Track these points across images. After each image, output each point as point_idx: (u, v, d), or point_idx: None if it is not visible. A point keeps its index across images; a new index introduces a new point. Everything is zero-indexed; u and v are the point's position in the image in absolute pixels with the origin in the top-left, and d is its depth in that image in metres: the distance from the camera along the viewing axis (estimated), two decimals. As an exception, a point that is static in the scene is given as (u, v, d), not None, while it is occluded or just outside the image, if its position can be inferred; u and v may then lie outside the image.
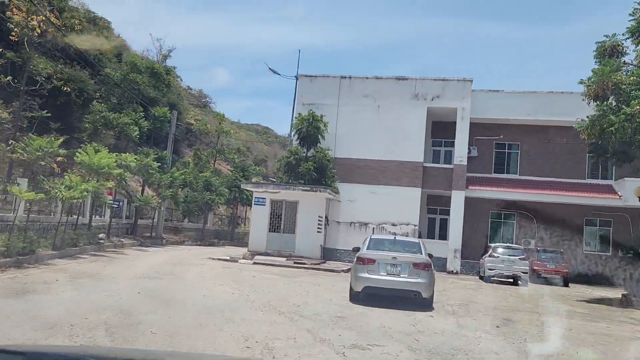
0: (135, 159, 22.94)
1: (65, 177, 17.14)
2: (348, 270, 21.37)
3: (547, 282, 23.03)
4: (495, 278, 21.36)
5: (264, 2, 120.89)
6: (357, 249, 14.38)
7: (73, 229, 18.61)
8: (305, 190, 25.09)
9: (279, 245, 25.62)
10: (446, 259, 26.84)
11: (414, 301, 11.34)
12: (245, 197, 35.61)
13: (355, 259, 12.24)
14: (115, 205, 22.58)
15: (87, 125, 25.75)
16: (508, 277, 21.18)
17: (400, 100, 28.01)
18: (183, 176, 28.44)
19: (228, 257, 21.47)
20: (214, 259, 21.18)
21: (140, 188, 28.91)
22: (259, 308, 9.92)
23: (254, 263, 20.67)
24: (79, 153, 18.31)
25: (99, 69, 28.28)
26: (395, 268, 11.27)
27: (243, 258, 21.20)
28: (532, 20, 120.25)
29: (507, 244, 24.09)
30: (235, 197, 35.10)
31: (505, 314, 11.93)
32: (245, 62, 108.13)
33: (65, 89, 30.15)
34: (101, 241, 21.51)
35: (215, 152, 37.01)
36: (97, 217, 24.41)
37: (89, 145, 18.57)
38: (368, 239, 13.00)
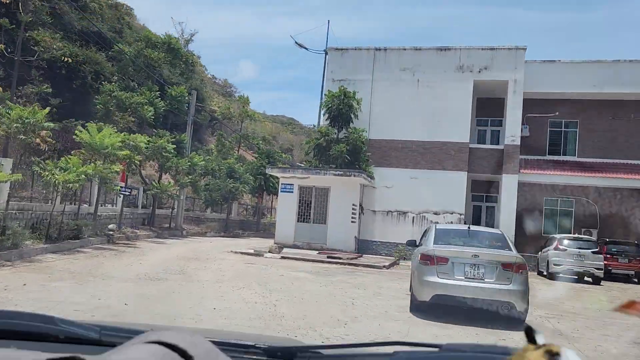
0: (149, 140, 20.14)
1: (62, 158, 14.36)
2: (391, 266, 18.25)
3: (616, 278, 19.52)
4: (563, 275, 17.91)
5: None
6: (412, 243, 11.33)
7: (74, 219, 15.89)
8: (338, 174, 22.00)
9: (308, 236, 22.64)
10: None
11: (498, 315, 8.17)
12: (271, 185, 32.72)
13: (417, 257, 9.08)
14: (127, 193, 19.89)
15: (97, 106, 23.07)
16: (579, 274, 17.69)
17: (442, 73, 24.60)
18: (203, 162, 25.62)
19: (252, 251, 18.57)
20: (236, 252, 18.31)
21: (157, 175, 26.21)
22: (291, 328, 6.90)
23: (282, 257, 17.71)
24: (78, 131, 15.52)
25: (112, 43, 25.53)
26: (477, 270, 8.08)
27: (269, 252, 18.26)
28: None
29: (576, 235, 20.64)
30: (260, 185, 32.23)
31: None
32: (270, 55, 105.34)
33: (80, 69, 27.74)
34: (110, 232, 18.79)
35: (240, 138, 34.12)
36: (109, 205, 21.77)
37: (91, 124, 15.77)
38: (433, 230, 9.78)
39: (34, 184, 15.62)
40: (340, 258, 18.13)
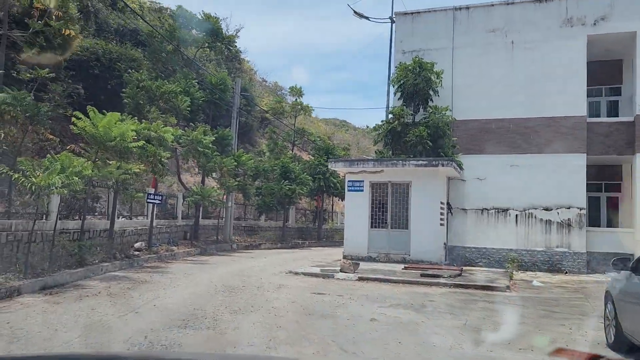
0: (182, 133, 15.54)
1: (47, 155, 9.83)
2: (512, 286, 12.68)
3: None
4: None
5: (331, 1, 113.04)
6: (623, 262, 6.02)
7: (73, 239, 11.37)
8: (421, 165, 16.68)
9: (386, 246, 17.42)
10: (632, 255, 17.39)
11: None
12: (332, 185, 27.69)
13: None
14: (157, 201, 15.35)
15: (126, 100, 18.77)
16: None
17: (544, 30, 18.83)
18: (252, 161, 20.94)
19: (318, 270, 13.53)
20: (297, 273, 13.32)
21: (195, 179, 21.73)
22: None
23: (359, 279, 12.56)
24: (75, 119, 10.97)
25: (145, 23, 21.24)
26: None
27: (341, 270, 13.15)
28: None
29: None
30: (319, 186, 27.26)
31: None
32: (319, 59, 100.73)
33: (115, 67, 23.82)
34: (136, 253, 14.26)
35: (294, 134, 29.29)
36: (139, 218, 17.35)
37: (91, 108, 11.17)
38: None
39: (17, 193, 11.21)
40: (439, 276, 12.76)
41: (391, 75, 20.59)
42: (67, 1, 18.04)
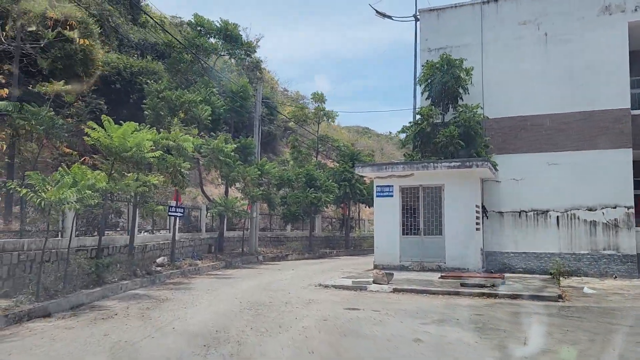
0: (203, 142, 14.85)
1: (60, 168, 9.18)
2: (564, 296, 11.48)
3: None
4: None
5: (350, 8, 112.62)
6: None
7: (90, 257, 10.70)
8: (455, 166, 15.63)
9: (419, 253, 16.39)
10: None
11: None
12: (358, 192, 26.74)
13: None
14: (178, 214, 14.66)
15: (146, 112, 18.25)
16: None
17: (580, 20, 17.64)
18: (275, 169, 20.17)
19: (350, 282, 12.58)
20: (327, 286, 12.41)
21: (219, 190, 21.06)
22: None
23: (394, 291, 11.57)
24: (89, 129, 10.32)
25: (164, 32, 20.76)
26: None
27: (374, 282, 12.18)
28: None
29: None
30: (345, 193, 26.31)
31: None
32: (340, 68, 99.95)
33: (136, 81, 23.50)
34: (158, 268, 13.56)
35: (317, 141, 28.45)
36: (162, 232, 16.70)
37: (106, 117, 10.51)
38: None
39: (32, 210, 10.60)
40: (481, 286, 11.68)
41: (418, 75, 19.61)
42: (81, 12, 17.68)
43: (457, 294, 11.11)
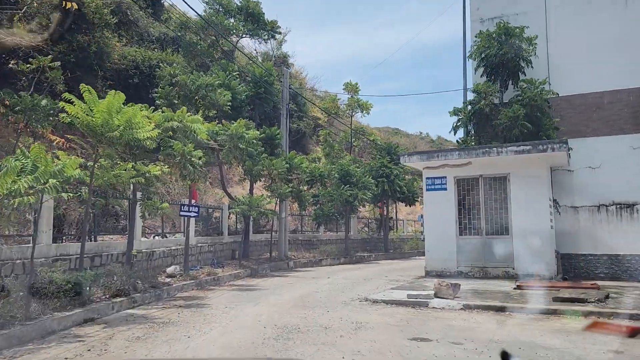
0: (220, 127, 12.29)
1: (18, 149, 6.71)
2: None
3: None
4: None
5: (375, 9, 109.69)
6: None
7: (73, 268, 8.20)
8: (524, 151, 12.63)
9: (480, 257, 13.43)
10: None
11: None
12: (398, 189, 23.87)
13: None
14: (192, 214, 12.10)
15: (157, 101, 15.86)
16: None
17: (668, -27, 14.43)
18: (306, 164, 17.55)
19: (404, 296, 9.73)
20: (375, 301, 9.62)
21: (245, 190, 18.49)
22: None
23: (464, 308, 8.70)
24: (65, 103, 7.81)
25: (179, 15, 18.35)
26: None
27: (436, 295, 9.34)
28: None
29: None
30: (384, 190, 23.46)
31: None
32: (367, 69, 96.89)
33: (155, 74, 21.30)
34: (168, 280, 11.03)
35: (351, 134, 25.64)
36: (177, 236, 14.20)
37: (85, 87, 7.95)
38: None
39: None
40: (582, 301, 8.69)
41: (468, 50, 16.68)
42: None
43: (554, 313, 8.16)
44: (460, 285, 9.89)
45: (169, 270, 11.59)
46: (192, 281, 11.74)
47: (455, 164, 13.84)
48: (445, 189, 14.01)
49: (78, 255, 8.45)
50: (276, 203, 17.73)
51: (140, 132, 8.01)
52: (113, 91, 8.10)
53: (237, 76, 16.89)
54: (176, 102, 15.71)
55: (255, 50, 23.90)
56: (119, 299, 8.70)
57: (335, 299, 10.08)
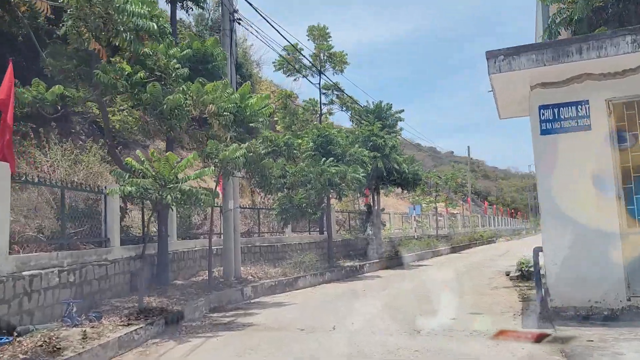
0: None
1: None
2: None
3: None
4: None
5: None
6: None
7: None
8: None
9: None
10: None
11: None
12: (395, 167, 16.13)
13: None
14: None
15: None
16: None
17: None
18: (268, 107, 9.46)
19: None
20: None
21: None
22: None
23: None
24: None
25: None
26: None
27: None
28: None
29: None
30: (376, 168, 15.67)
31: None
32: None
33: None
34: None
35: (320, 92, 17.63)
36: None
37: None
38: None
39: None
40: None
41: None
42: None
43: None
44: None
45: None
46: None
47: (612, 71, 6.13)
48: (589, 127, 6.27)
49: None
50: (217, 183, 9.44)
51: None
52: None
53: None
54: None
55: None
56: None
57: None
